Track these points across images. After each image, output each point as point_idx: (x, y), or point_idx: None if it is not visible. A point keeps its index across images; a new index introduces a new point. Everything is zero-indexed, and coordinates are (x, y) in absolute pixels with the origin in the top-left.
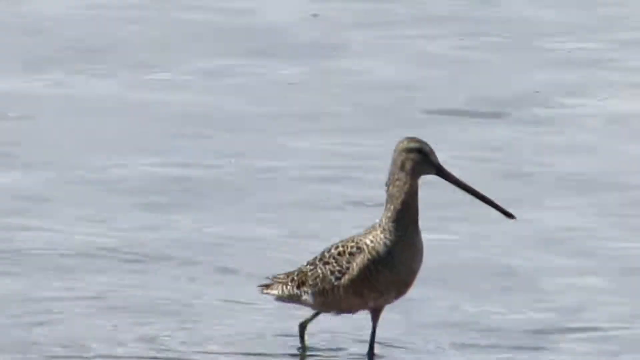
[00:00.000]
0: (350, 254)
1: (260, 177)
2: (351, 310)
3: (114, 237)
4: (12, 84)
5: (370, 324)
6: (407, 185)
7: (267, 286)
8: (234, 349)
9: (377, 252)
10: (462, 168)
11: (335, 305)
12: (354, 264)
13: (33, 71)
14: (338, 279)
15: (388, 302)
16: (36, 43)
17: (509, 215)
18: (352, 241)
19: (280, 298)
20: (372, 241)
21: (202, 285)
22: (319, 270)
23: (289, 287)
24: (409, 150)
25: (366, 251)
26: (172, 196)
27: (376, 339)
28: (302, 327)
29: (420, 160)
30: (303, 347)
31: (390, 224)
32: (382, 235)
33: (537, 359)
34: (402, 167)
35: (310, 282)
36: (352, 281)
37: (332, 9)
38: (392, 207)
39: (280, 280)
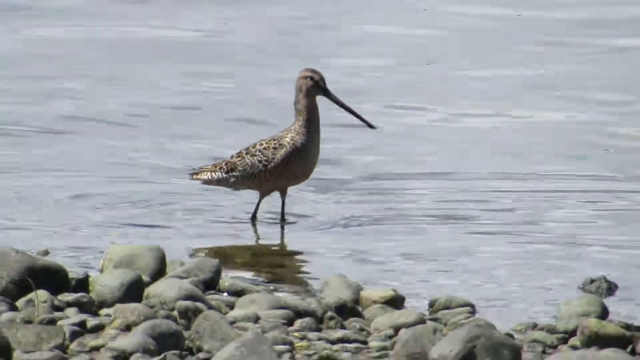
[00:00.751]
0: (274, 148)
1: None
2: (270, 190)
3: None
4: None
5: (280, 199)
6: (304, 102)
7: (195, 174)
8: None
9: (296, 147)
10: None
11: (258, 186)
12: (278, 155)
13: None
14: (265, 166)
15: (296, 184)
16: None
17: (370, 125)
18: (274, 140)
19: (208, 182)
20: (291, 139)
21: None
22: (247, 161)
23: (217, 173)
24: (304, 78)
25: (287, 146)
26: None
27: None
28: (253, 218)
29: (312, 85)
30: (256, 232)
31: (302, 129)
32: (297, 136)
33: None
34: (300, 90)
35: (240, 169)
36: (276, 168)
37: None
38: (300, 117)
39: (208, 169)
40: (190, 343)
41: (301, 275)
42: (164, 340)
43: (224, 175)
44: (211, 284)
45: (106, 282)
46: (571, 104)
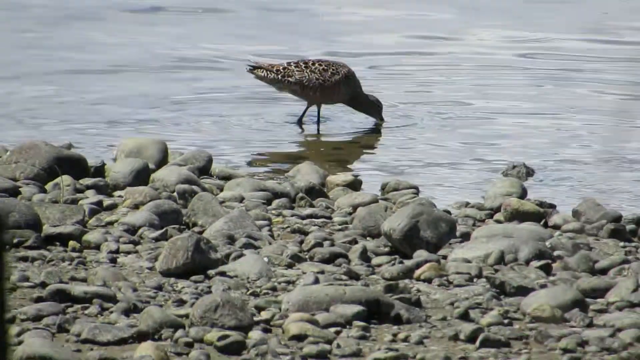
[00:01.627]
0: (332, 73)
1: None
2: (312, 102)
3: None
4: None
5: (308, 106)
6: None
7: (255, 68)
8: None
9: (349, 77)
10: None
11: (306, 96)
12: (333, 79)
13: None
14: (321, 83)
15: (331, 104)
16: None
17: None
18: (332, 66)
19: (261, 78)
20: (347, 72)
21: None
22: (306, 74)
23: (273, 74)
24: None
25: (342, 74)
26: None
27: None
28: (300, 121)
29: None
30: (302, 129)
31: (350, 71)
32: (348, 70)
33: None
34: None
35: (297, 77)
36: (329, 87)
37: None
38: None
39: (266, 67)
40: (187, 219)
41: (279, 163)
42: (166, 217)
43: (279, 77)
44: (204, 170)
45: (119, 169)
46: None
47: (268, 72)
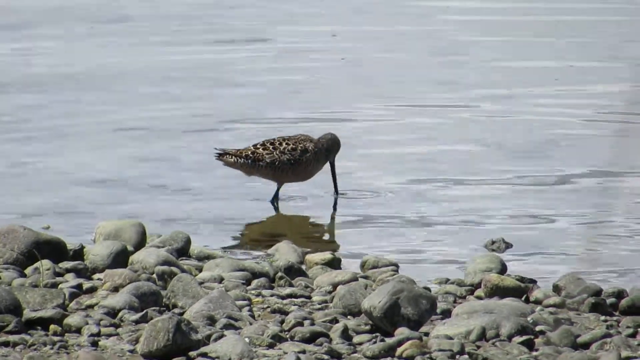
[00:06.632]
0: (302, 151)
1: None
2: (283, 182)
3: None
4: None
5: (279, 187)
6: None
7: (221, 155)
8: None
9: (321, 152)
10: None
11: (278, 178)
12: (304, 158)
13: None
14: (292, 164)
15: (302, 181)
16: None
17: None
18: (300, 142)
19: (231, 164)
20: (315, 145)
21: None
22: (276, 156)
23: (242, 160)
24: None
25: (310, 150)
26: None
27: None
28: (273, 202)
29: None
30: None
31: (318, 143)
32: (315, 145)
33: None
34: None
35: (268, 161)
36: (301, 168)
37: None
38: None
39: (234, 154)
40: (167, 300)
41: (256, 242)
42: (146, 299)
43: (251, 163)
44: (183, 251)
45: (98, 251)
46: None
47: (237, 158)
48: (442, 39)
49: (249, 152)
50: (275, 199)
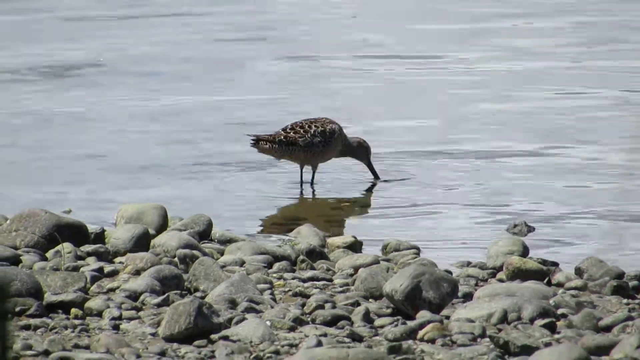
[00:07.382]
0: (330, 132)
1: None
2: (317, 163)
3: None
4: None
5: (314, 170)
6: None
7: (257, 141)
8: None
9: (345, 139)
10: None
11: (310, 161)
12: (333, 141)
13: None
14: (324, 146)
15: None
16: None
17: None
18: (327, 124)
19: (266, 151)
20: (339, 128)
21: None
22: (308, 137)
23: (277, 145)
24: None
25: (336, 131)
26: None
27: None
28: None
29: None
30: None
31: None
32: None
33: None
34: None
35: (301, 144)
36: (332, 150)
37: None
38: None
39: (267, 139)
40: (188, 284)
41: (278, 226)
42: (168, 282)
43: (285, 147)
44: (205, 234)
45: (119, 235)
46: None
47: (272, 144)
48: None
49: (282, 137)
50: (312, 183)
